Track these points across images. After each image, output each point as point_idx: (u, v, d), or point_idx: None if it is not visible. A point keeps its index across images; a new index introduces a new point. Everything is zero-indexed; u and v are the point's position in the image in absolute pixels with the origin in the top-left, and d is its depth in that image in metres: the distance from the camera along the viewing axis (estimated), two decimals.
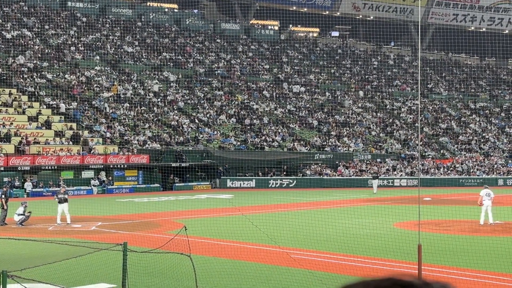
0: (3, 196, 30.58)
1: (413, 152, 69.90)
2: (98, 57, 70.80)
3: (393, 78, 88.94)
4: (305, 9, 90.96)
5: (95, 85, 65.55)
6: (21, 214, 29.85)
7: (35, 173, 51.00)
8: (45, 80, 63.24)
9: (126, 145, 57.32)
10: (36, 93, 60.34)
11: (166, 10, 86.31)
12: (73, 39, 72.53)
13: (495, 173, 67.86)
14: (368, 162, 66.63)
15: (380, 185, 56.95)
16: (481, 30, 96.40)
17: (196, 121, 65.80)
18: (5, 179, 48.79)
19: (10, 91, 58.63)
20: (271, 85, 78.46)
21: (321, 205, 39.50)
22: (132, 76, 69.85)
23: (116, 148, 56.05)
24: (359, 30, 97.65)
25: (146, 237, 25.45)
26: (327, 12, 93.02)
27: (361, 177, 63.02)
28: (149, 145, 58.70)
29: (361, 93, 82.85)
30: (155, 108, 65.36)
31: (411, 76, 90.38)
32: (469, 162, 69.69)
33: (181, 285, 15.71)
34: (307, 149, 66.27)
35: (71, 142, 54.72)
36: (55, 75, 64.52)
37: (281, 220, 29.40)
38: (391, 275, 1.37)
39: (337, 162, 64.86)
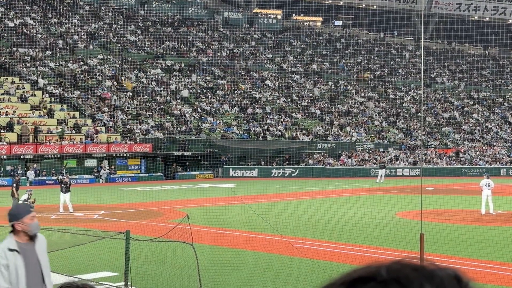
0: (14, 184, 30.84)
1: (415, 142, 69.87)
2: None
3: (396, 68, 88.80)
4: None
5: (98, 73, 65.54)
6: (25, 201, 29.98)
7: (38, 161, 51.06)
8: (47, 69, 63.23)
9: (128, 134, 57.36)
10: (42, 83, 60.28)
11: None
12: (76, 28, 72.46)
13: (497, 163, 67.83)
14: (370, 151, 66.64)
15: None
16: (485, 20, 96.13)
17: (199, 110, 65.79)
18: (8, 168, 48.95)
19: (12, 79, 58.64)
20: (274, 74, 78.37)
21: (323, 195, 39.52)
22: (135, 65, 69.80)
23: (119, 137, 56.09)
24: (362, 20, 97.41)
25: (148, 226, 25.50)
26: (330, 1, 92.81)
27: (363, 167, 63.05)
28: (152, 134, 58.74)
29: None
30: (157, 97, 65.34)
31: (414, 65, 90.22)
32: (471, 152, 69.66)
33: (183, 274, 15.75)
34: (309, 139, 66.25)
35: (74, 131, 54.78)
36: (57, 64, 64.51)
37: (283, 209, 29.43)
38: (400, 259, 1.37)
39: (339, 152, 64.87)
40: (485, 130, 77.34)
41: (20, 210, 6.94)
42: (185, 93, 67.48)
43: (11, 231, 6.79)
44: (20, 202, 30.10)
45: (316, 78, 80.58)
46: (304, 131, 67.37)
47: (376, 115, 75.50)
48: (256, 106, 69.55)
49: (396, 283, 1.31)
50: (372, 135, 70.69)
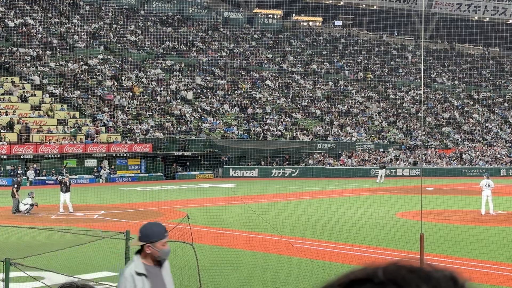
0: (15, 185, 30.83)
1: (415, 142, 69.87)
2: (102, 48, 70.73)
3: (396, 68, 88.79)
4: None
5: (98, 73, 65.55)
6: (29, 205, 30.04)
7: (38, 161, 51.07)
8: (48, 69, 63.23)
9: (128, 134, 57.36)
10: (34, 79, 60.25)
11: None
12: (76, 28, 72.46)
13: (497, 163, 67.82)
14: (370, 151, 66.64)
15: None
16: (485, 20, 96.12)
17: (199, 110, 65.79)
18: (8, 168, 48.95)
19: (12, 79, 58.64)
20: (274, 74, 78.37)
21: (323, 195, 39.53)
22: (135, 65, 69.81)
23: (119, 137, 56.09)
24: (362, 20, 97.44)
25: None
26: (330, 1, 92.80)
27: (363, 167, 63.04)
28: (152, 134, 58.74)
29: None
30: (157, 97, 65.34)
31: (414, 66, 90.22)
32: (471, 152, 69.65)
33: (183, 274, 15.74)
34: (309, 139, 66.24)
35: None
36: (57, 64, 64.51)
37: (283, 209, 29.45)
38: (397, 261, 1.38)
39: (339, 152, 64.87)
40: (485, 131, 77.34)
41: (154, 233, 6.18)
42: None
43: (138, 251, 6.15)
44: (22, 205, 30.14)
45: (316, 78, 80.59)
46: (304, 131, 67.37)
47: (376, 115, 75.50)
48: (256, 106, 69.55)
49: (393, 284, 1.32)
50: (372, 135, 70.68)
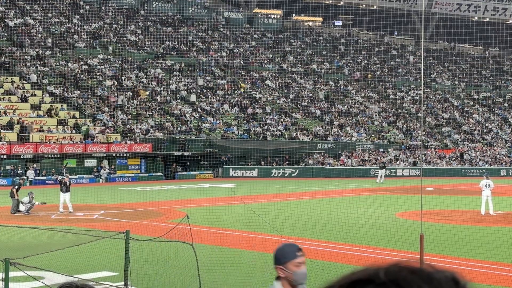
0: (16, 186, 30.89)
1: (415, 142, 69.85)
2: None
3: (396, 68, 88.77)
4: None
5: (98, 73, 65.53)
6: (28, 203, 30.04)
7: (38, 161, 51.06)
8: (48, 69, 63.21)
9: (128, 134, 57.35)
10: (39, 81, 60.31)
11: None
12: (76, 28, 72.44)
13: (497, 163, 67.79)
14: (370, 152, 66.62)
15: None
16: (485, 20, 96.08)
17: (199, 110, 65.77)
18: (8, 167, 48.96)
19: (12, 79, 58.63)
20: (274, 74, 78.34)
21: (323, 195, 39.52)
22: (135, 65, 69.78)
23: (119, 136, 56.07)
24: (362, 20, 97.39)
25: (148, 226, 25.50)
26: (330, 1, 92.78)
27: (363, 167, 63.03)
28: (151, 133, 58.73)
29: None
30: (157, 97, 65.32)
31: (414, 66, 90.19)
32: (471, 152, 69.63)
33: (183, 274, 15.74)
34: (309, 139, 66.21)
35: (74, 131, 54.79)
36: (58, 63, 64.50)
37: (283, 209, 29.43)
38: (398, 262, 1.38)
39: (339, 152, 64.84)
40: (485, 131, 77.31)
41: (285, 253, 5.52)
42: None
43: (277, 277, 5.56)
44: (22, 204, 30.17)
45: (316, 78, 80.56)
46: (304, 131, 67.33)
47: (376, 115, 75.48)
48: (256, 106, 69.52)
49: (394, 285, 1.32)
50: (372, 135, 70.65)
